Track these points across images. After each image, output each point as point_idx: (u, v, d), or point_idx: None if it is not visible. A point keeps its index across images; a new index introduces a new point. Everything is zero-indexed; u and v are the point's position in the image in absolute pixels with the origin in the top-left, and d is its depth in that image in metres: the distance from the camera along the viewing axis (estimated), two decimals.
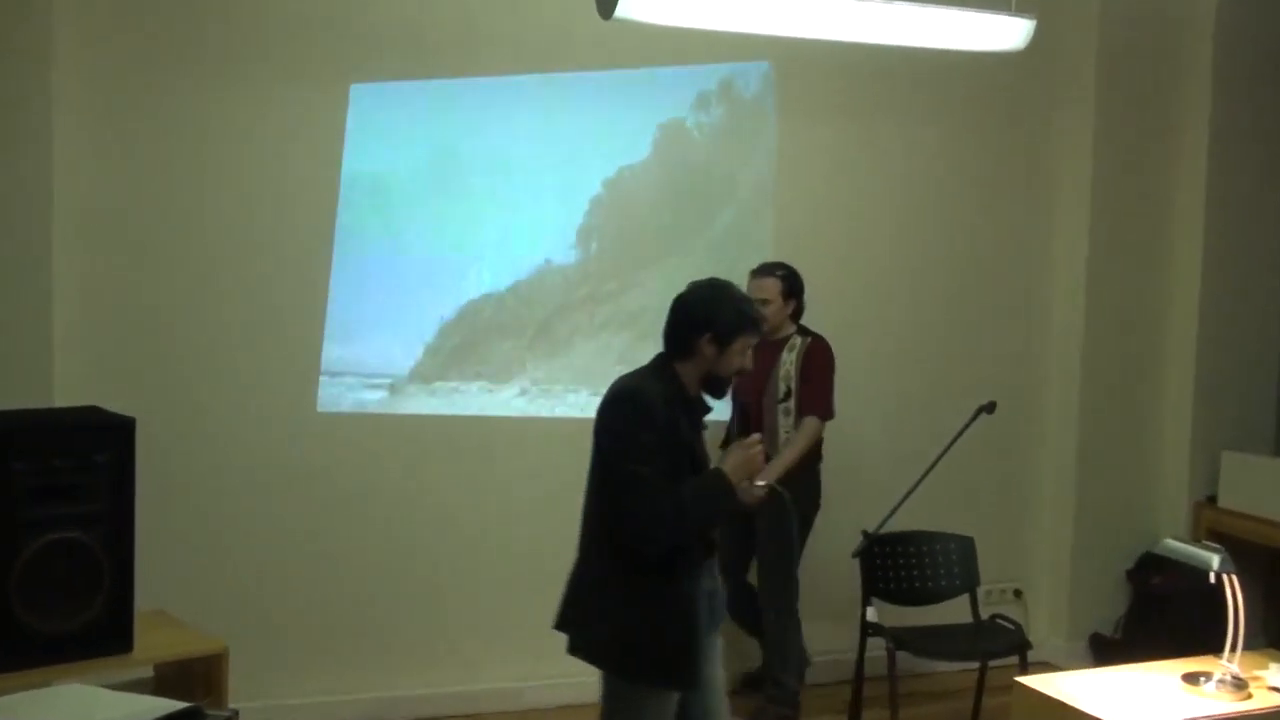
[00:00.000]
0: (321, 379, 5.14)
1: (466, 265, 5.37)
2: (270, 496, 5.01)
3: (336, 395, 5.15)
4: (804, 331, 5.16)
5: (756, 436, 3.56)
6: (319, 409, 5.12)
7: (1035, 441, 6.30)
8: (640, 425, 3.35)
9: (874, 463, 5.79)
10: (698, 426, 3.53)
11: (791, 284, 5.11)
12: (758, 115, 5.74)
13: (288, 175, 5.00)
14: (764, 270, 5.12)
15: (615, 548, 3.39)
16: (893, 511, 4.74)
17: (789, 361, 5.08)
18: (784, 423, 5.05)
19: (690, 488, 3.36)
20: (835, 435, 5.45)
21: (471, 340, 5.41)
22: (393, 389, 5.25)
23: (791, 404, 5.05)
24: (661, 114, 5.60)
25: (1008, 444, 6.16)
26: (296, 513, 5.06)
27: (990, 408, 4.95)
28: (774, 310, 5.00)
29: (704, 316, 3.43)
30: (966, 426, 4.89)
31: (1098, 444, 6.19)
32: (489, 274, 5.39)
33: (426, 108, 5.22)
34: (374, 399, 5.24)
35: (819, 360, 5.11)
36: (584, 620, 3.49)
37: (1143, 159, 6.11)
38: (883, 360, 5.98)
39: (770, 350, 5.04)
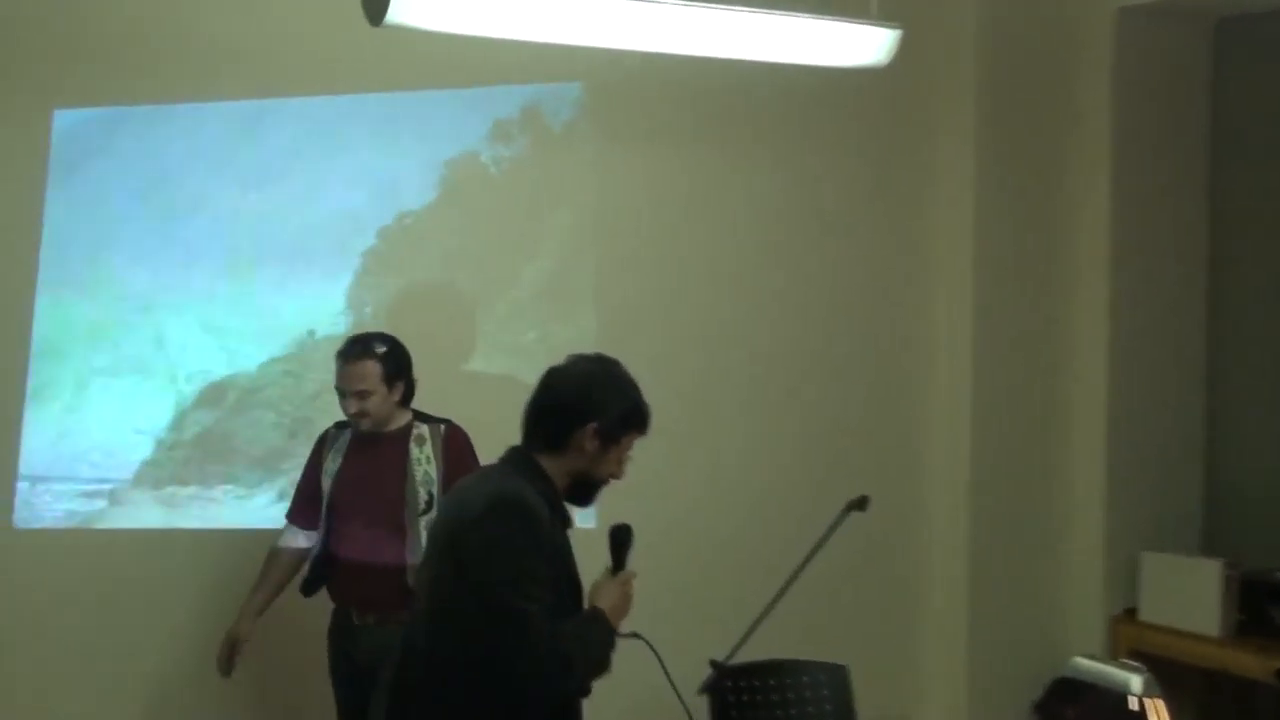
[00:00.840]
0: (19, 485, 5.02)
1: (205, 336, 5.18)
2: None
3: (38, 506, 5.04)
4: (425, 417, 4.65)
5: (632, 571, 3.39)
6: (15, 524, 4.97)
7: (919, 546, 6.05)
8: (530, 546, 3.15)
9: (721, 575, 5.48)
10: (567, 540, 3.32)
11: (397, 362, 4.55)
12: (569, 147, 5.56)
13: None
14: (356, 352, 4.51)
15: (465, 706, 3.18)
16: (746, 635, 4.34)
17: (423, 459, 4.61)
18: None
19: (579, 631, 3.20)
20: (669, 540, 5.12)
21: (217, 431, 5.19)
22: (113, 497, 5.11)
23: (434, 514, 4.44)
24: (450, 147, 5.42)
25: (886, 549, 5.89)
26: None
27: (862, 503, 4.48)
28: (378, 402, 4.49)
29: (589, 403, 3.27)
30: (833, 528, 4.34)
31: (993, 548, 5.94)
32: (236, 348, 5.19)
33: (148, 139, 5.10)
34: (88, 510, 5.10)
35: (468, 448, 4.63)
36: None
37: (1035, 211, 5.92)
38: (728, 447, 5.69)
39: (382, 450, 4.58)
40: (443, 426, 4.59)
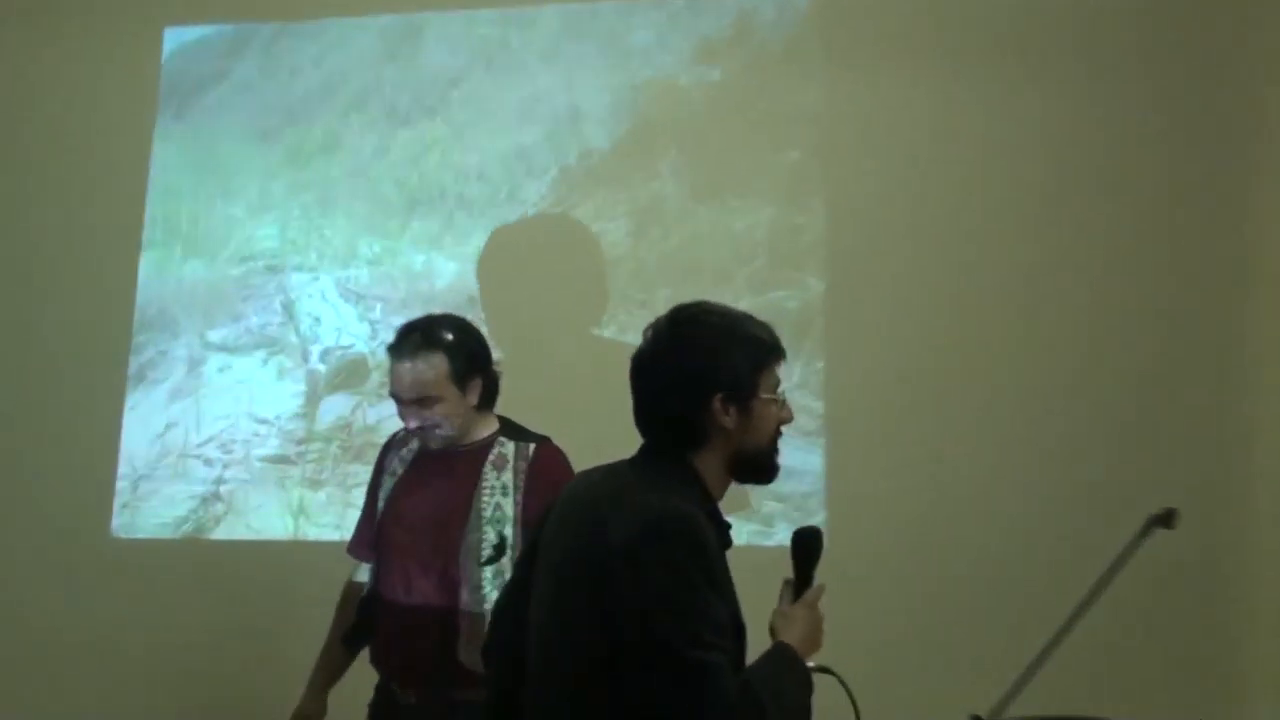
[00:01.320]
0: (118, 485, 5.10)
1: (343, 305, 5.17)
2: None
3: (142, 511, 5.08)
4: (513, 430, 4.01)
5: (821, 585, 2.94)
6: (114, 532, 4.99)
7: (1240, 575, 5.34)
8: (705, 579, 2.75)
9: (981, 608, 4.97)
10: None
11: (470, 355, 3.92)
12: (789, 70, 5.24)
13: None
14: (412, 344, 3.90)
15: None
16: (1019, 686, 3.80)
17: (498, 487, 4.00)
18: (492, 595, 3.86)
19: (761, 677, 2.79)
20: (909, 568, 4.85)
21: (358, 421, 5.16)
22: (230, 501, 5.10)
23: (507, 562, 3.90)
24: (644, 70, 5.23)
25: (1197, 578, 5.18)
26: None
27: (1168, 519, 4.02)
28: (447, 410, 3.88)
29: (698, 376, 2.85)
30: (1131, 549, 3.96)
31: None
32: (381, 319, 5.12)
33: (273, 62, 5.13)
34: (201, 516, 5.10)
35: (564, 479, 3.69)
36: None
37: None
38: (985, 447, 5.12)
39: (452, 470, 4.00)
40: (532, 447, 3.97)
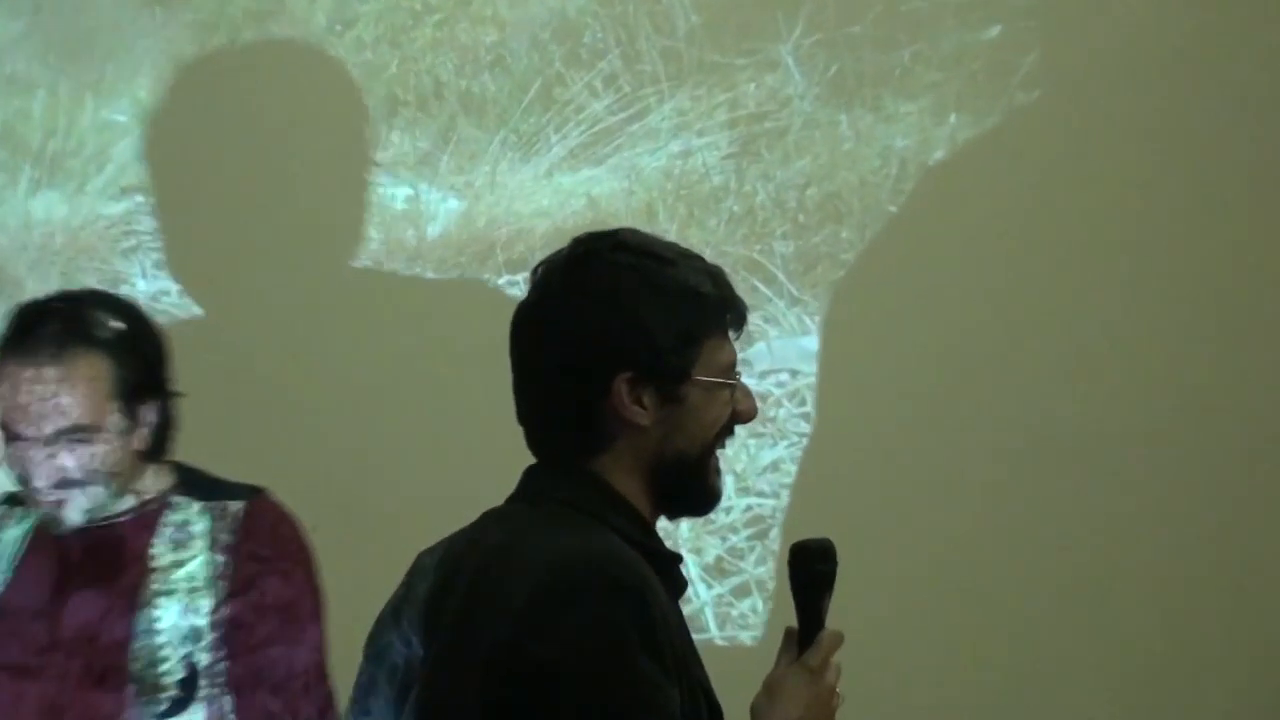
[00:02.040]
0: None
1: None
2: None
3: None
4: (199, 483, 2.94)
5: (837, 635, 2.21)
6: None
7: None
8: (641, 650, 2.00)
9: (1100, 657, 4.24)
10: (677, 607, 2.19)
11: (143, 359, 2.83)
12: None
13: None
14: (48, 340, 2.79)
15: None
16: None
17: (181, 581, 3.03)
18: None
19: None
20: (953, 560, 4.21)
21: None
22: None
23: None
24: None
25: None
26: None
27: None
28: (106, 450, 2.79)
29: (599, 345, 2.10)
30: None
31: None
32: None
33: None
34: None
35: (295, 557, 2.94)
36: None
37: None
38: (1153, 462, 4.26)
39: (102, 558, 2.95)
40: (238, 506, 2.80)
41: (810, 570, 2.03)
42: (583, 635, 1.93)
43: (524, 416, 2.05)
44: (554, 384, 2.03)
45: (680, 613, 2.07)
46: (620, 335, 1.99)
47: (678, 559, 2.10)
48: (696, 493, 2.11)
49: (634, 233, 2.11)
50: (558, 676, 1.88)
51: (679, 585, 2.10)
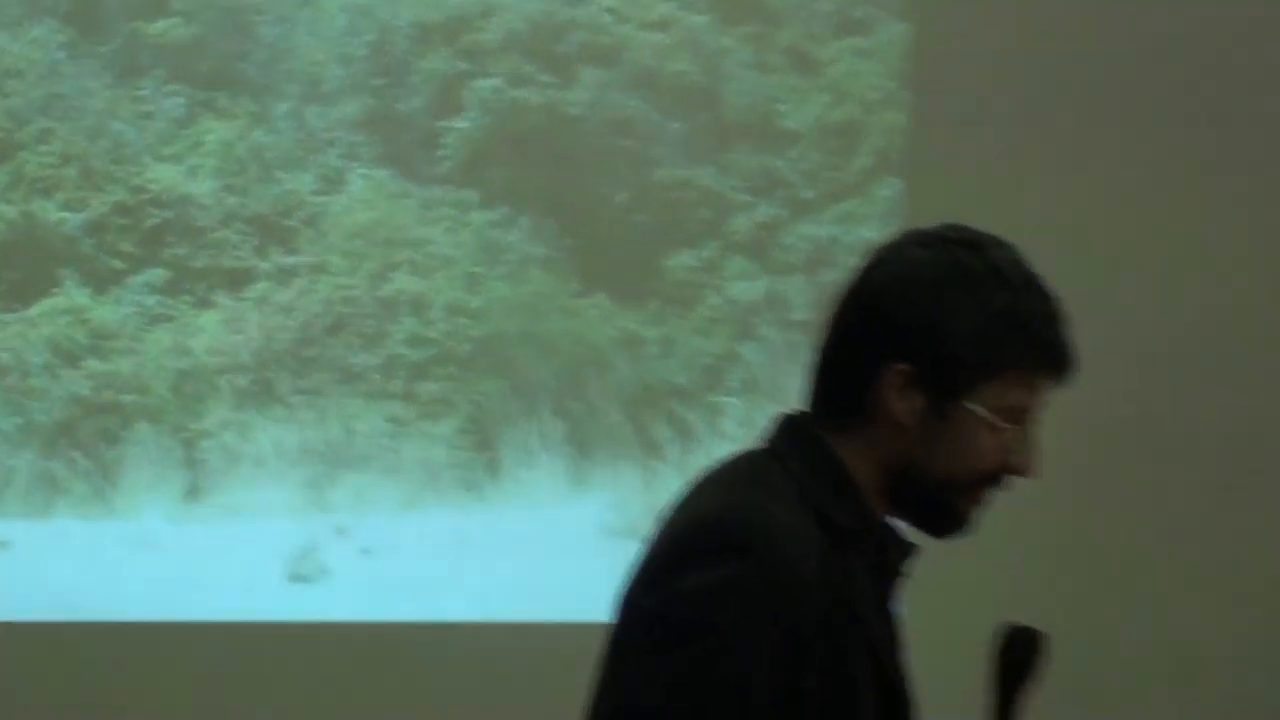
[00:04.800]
0: None
1: None
2: None
3: None
4: None
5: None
6: None
7: None
8: (759, 638, 1.84)
9: None
10: (890, 612, 2.02)
11: None
12: None
13: None
14: None
15: None
16: None
17: None
18: None
19: None
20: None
21: None
22: None
23: None
24: None
25: None
26: None
27: None
28: None
29: (904, 322, 1.94)
30: None
31: None
32: None
33: None
34: None
35: None
36: None
37: None
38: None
39: None
40: None
41: (1016, 655, 1.93)
42: (681, 595, 1.82)
43: (812, 365, 1.98)
44: (841, 344, 1.95)
45: (880, 592, 1.97)
46: (920, 327, 1.88)
47: (906, 546, 1.96)
48: (930, 511, 1.99)
49: (999, 245, 1.95)
50: (651, 628, 1.78)
51: (887, 569, 1.97)
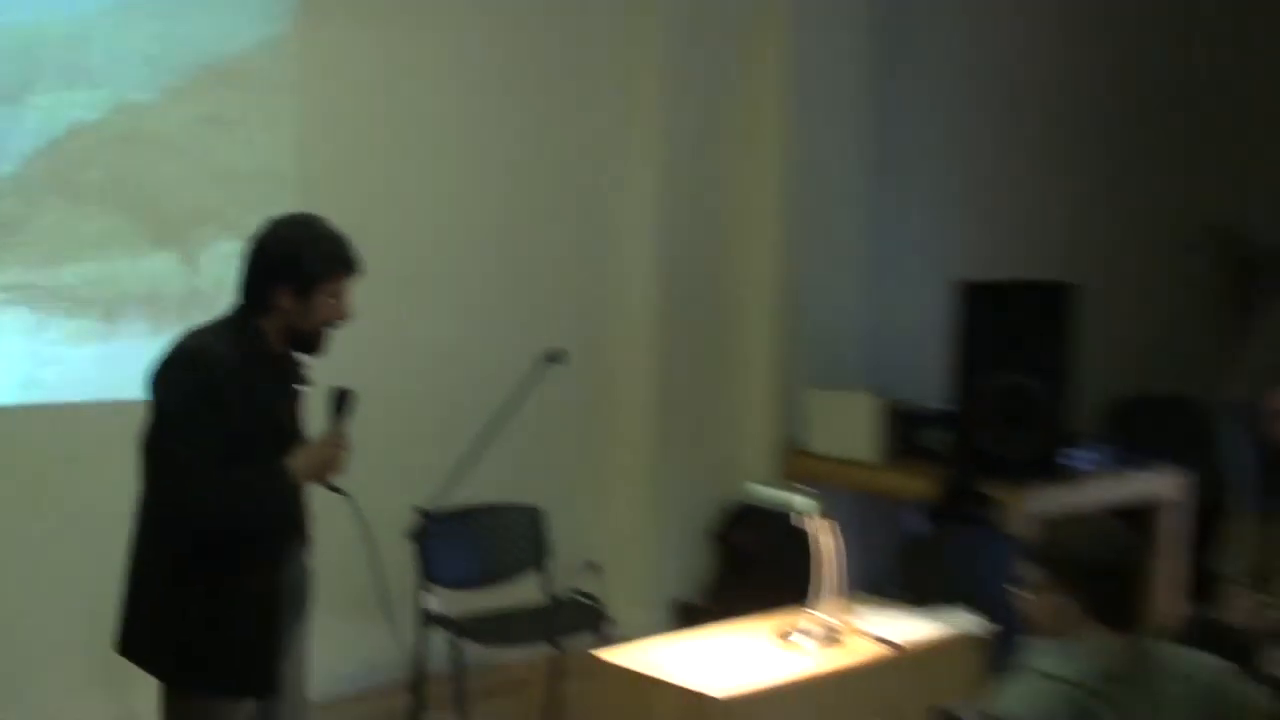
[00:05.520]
0: None
1: None
2: None
3: None
4: None
5: (342, 433, 3.50)
6: None
7: (608, 397, 6.36)
8: (191, 394, 3.28)
9: (422, 429, 5.66)
10: (287, 392, 3.50)
11: None
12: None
13: None
14: None
15: (159, 538, 3.35)
16: (450, 483, 4.76)
17: None
18: None
19: (246, 479, 3.32)
20: (378, 387, 5.19)
21: None
22: None
23: None
24: None
25: (577, 401, 6.15)
26: None
27: (558, 357, 4.98)
28: None
29: (278, 262, 3.38)
30: (531, 380, 4.90)
31: (677, 392, 6.30)
32: None
33: None
34: None
35: None
36: (135, 625, 3.42)
37: (721, 81, 6.33)
38: (426, 312, 5.83)
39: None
40: None
41: (334, 400, 3.44)
42: (160, 387, 3.29)
43: (239, 284, 3.38)
44: (250, 276, 3.36)
45: (275, 384, 3.41)
46: (293, 260, 3.31)
47: (289, 358, 3.42)
48: (308, 346, 3.43)
49: (316, 219, 3.43)
50: (150, 404, 3.28)
51: (288, 375, 3.45)
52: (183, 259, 5.11)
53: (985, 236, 7.14)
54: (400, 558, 4.77)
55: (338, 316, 3.41)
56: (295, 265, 3.34)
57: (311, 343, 3.44)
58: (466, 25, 5.90)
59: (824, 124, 6.51)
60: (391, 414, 5.47)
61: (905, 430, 6.19)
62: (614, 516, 6.47)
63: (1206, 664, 3.22)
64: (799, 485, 4.52)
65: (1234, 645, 3.89)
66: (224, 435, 3.27)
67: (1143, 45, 7.70)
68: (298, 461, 3.38)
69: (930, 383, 6.30)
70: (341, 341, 4.59)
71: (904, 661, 4.24)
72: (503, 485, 5.40)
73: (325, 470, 3.43)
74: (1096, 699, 3.07)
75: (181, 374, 3.30)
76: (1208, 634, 4.21)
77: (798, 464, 6.30)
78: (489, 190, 6.03)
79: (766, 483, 5.24)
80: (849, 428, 6.16)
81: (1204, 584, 5.43)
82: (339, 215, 4.87)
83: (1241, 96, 7.93)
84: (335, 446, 3.43)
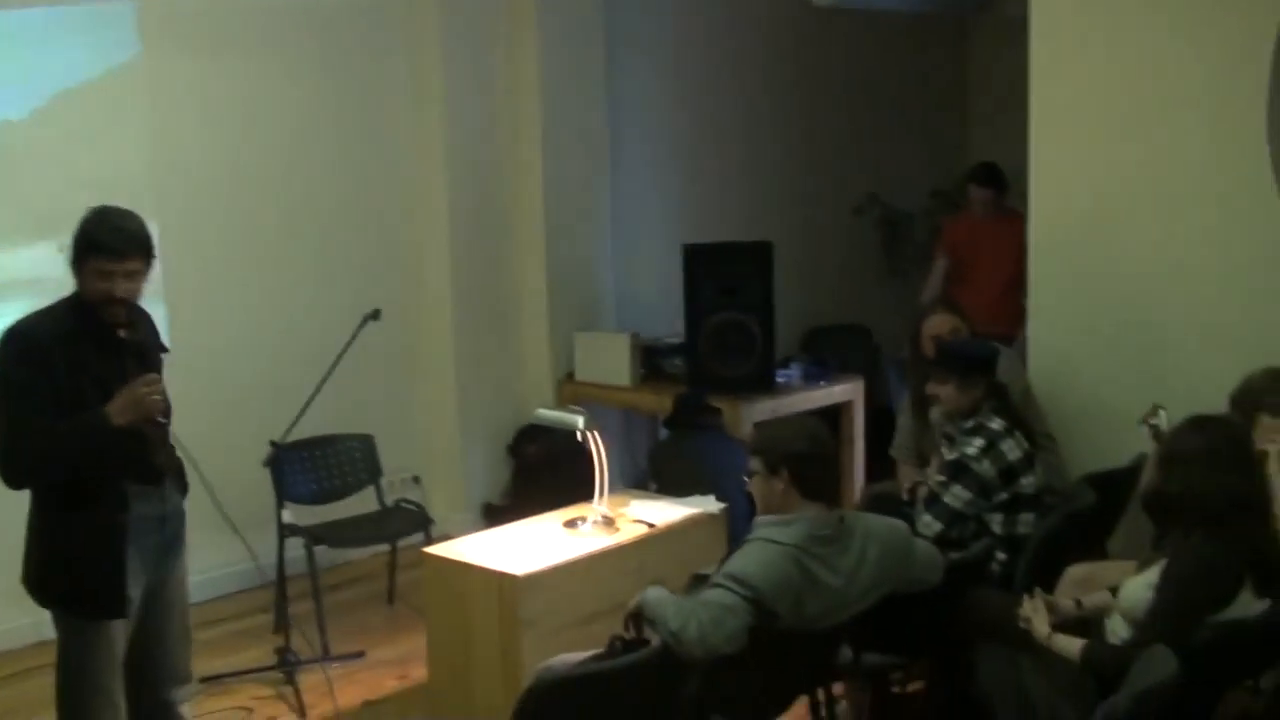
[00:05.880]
0: None
1: None
2: None
3: None
4: None
5: (153, 376, 3.57)
6: None
7: (419, 344, 6.93)
8: (14, 363, 3.42)
9: (273, 379, 5.99)
10: (116, 354, 3.53)
11: None
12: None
13: None
14: None
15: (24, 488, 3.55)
16: (296, 420, 5.12)
17: None
18: None
19: (67, 427, 3.42)
20: (233, 350, 6.05)
21: None
22: None
23: None
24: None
25: (396, 348, 6.70)
26: None
27: (375, 315, 5.32)
28: None
29: (71, 246, 3.52)
30: (354, 335, 5.24)
31: (472, 339, 6.92)
32: None
33: None
34: None
35: None
36: (26, 559, 3.66)
37: (488, 65, 6.87)
38: (270, 287, 6.34)
39: None
40: None
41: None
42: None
43: None
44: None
45: (103, 351, 3.38)
46: (73, 243, 3.38)
47: (110, 327, 3.39)
48: (102, 317, 3.42)
49: (112, 208, 3.42)
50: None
51: (112, 341, 3.40)
52: (58, 248, 5.04)
53: (707, 206, 7.69)
54: (261, 481, 5.30)
55: (104, 292, 3.43)
56: (73, 248, 3.48)
57: (100, 313, 3.48)
58: (287, 44, 6.33)
59: (569, 121, 7.03)
60: (248, 368, 6.17)
61: (651, 359, 6.83)
62: (430, 439, 7.12)
63: (888, 525, 3.66)
64: (573, 407, 5.08)
65: (902, 512, 4.37)
66: (50, 395, 3.40)
67: (820, 61, 8.31)
68: (114, 406, 3.44)
69: (668, 322, 6.96)
70: (204, 312, 5.49)
71: (662, 537, 4.68)
72: (340, 419, 5.93)
73: (139, 410, 3.46)
74: (810, 557, 3.45)
75: (7, 349, 3.46)
76: (885, 504, 4.68)
77: (571, 390, 7.00)
78: (315, 187, 6.54)
79: (548, 406, 5.73)
80: (609, 360, 6.81)
81: (880, 465, 6.04)
82: (190, 212, 5.75)
83: (883, 98, 8.62)
84: (145, 390, 3.47)
